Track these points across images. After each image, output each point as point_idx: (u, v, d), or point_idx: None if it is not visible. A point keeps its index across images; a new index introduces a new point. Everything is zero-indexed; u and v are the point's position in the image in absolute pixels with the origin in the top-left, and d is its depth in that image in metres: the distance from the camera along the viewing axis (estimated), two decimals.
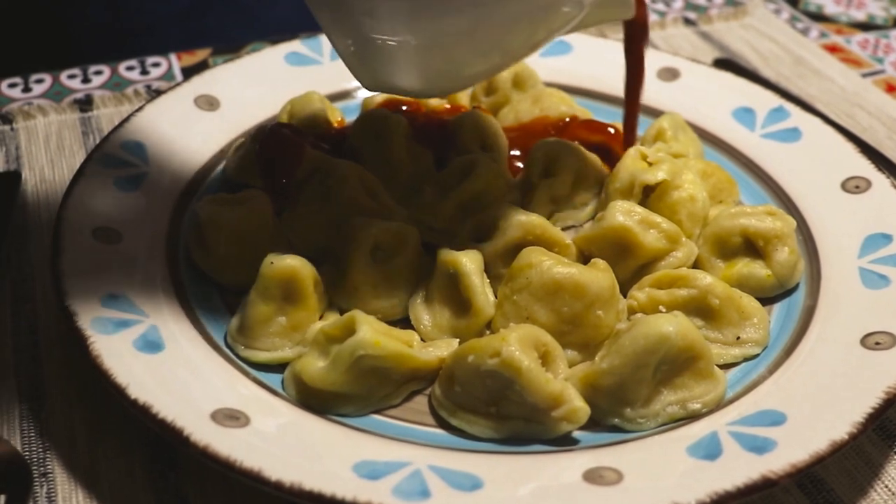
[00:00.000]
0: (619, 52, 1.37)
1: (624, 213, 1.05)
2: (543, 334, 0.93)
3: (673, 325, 0.91)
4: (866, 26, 1.72)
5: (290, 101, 1.26)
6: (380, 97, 1.25)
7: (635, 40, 1.15)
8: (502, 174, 1.14)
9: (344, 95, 1.34)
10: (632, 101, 1.19)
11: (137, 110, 1.23)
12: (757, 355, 1.01)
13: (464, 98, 1.31)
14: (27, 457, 0.93)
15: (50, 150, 1.33)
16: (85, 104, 1.41)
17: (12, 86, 1.47)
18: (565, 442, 0.91)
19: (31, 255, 1.16)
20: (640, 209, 1.06)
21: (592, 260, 1.01)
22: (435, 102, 1.29)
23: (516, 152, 1.22)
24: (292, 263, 0.97)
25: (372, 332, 0.91)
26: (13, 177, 1.26)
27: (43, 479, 0.92)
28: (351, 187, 1.09)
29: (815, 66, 1.57)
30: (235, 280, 1.05)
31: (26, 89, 1.46)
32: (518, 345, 0.89)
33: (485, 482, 0.83)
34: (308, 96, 1.25)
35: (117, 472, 0.93)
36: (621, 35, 1.44)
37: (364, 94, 1.32)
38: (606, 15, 1.10)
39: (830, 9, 1.77)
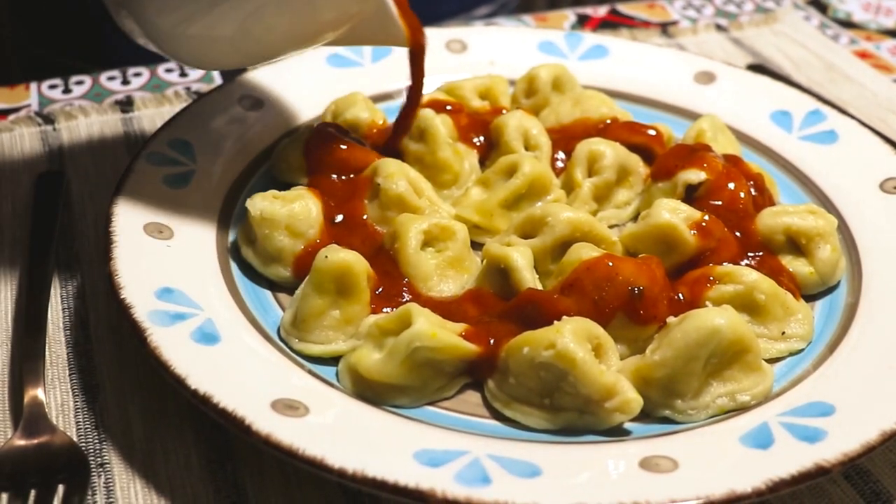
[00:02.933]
0: (655, 55, 1.41)
1: (670, 211, 1.07)
2: (596, 327, 0.95)
3: (723, 318, 0.92)
4: (895, 33, 1.73)
5: (333, 101, 1.27)
6: (423, 98, 1.27)
7: (412, 65, 1.17)
8: (546, 173, 1.16)
9: (386, 97, 1.36)
10: (403, 118, 1.21)
11: (183, 110, 1.25)
12: (802, 350, 1.02)
13: (504, 100, 1.33)
14: (84, 448, 0.95)
15: (93, 150, 1.35)
16: (126, 105, 1.43)
17: (52, 87, 1.48)
18: (618, 433, 0.93)
19: (78, 252, 1.17)
20: (684, 207, 1.08)
21: (642, 255, 1.03)
22: (477, 104, 1.30)
23: (559, 153, 1.23)
24: (346, 257, 0.99)
25: (428, 325, 0.93)
26: (57, 176, 1.28)
27: (100, 470, 0.93)
28: (398, 185, 1.11)
29: (847, 72, 1.59)
30: (286, 275, 1.07)
31: (66, 90, 1.48)
32: (572, 336, 0.90)
33: (543, 470, 0.84)
34: (352, 97, 1.27)
35: (174, 463, 0.94)
36: (656, 40, 1.46)
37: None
38: (379, 39, 1.13)
39: (859, 16, 1.78)
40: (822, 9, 1.81)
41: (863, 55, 1.65)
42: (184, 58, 1.10)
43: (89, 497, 0.91)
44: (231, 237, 1.12)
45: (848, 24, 1.76)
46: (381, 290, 1.03)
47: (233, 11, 0.98)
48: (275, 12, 0.98)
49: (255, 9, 0.98)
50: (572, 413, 0.92)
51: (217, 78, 1.52)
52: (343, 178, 1.15)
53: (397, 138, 1.20)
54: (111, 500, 0.90)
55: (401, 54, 1.35)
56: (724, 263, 1.06)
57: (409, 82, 1.19)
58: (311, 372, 0.96)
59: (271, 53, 1.09)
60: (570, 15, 1.75)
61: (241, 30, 1.00)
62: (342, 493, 0.91)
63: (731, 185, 1.13)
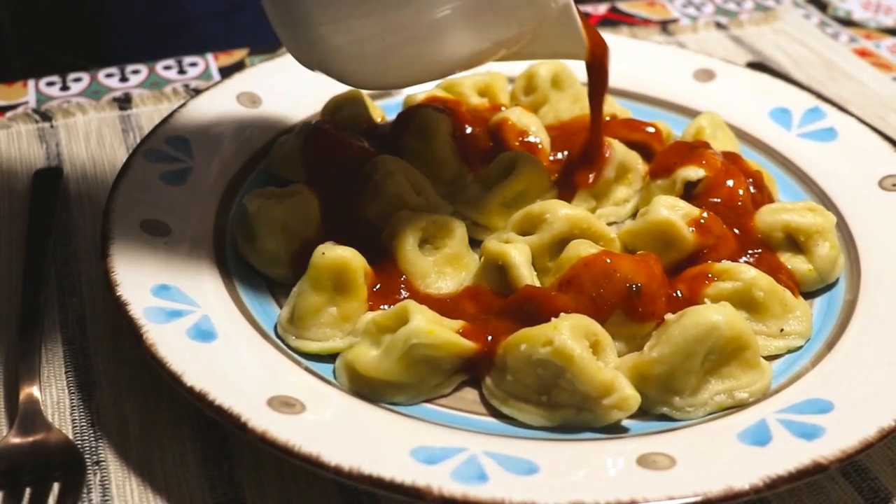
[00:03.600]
0: (655, 52, 1.41)
1: (668, 208, 1.06)
2: (594, 324, 0.94)
3: (722, 315, 0.92)
4: (895, 31, 1.73)
5: (332, 98, 1.27)
6: (421, 95, 1.26)
7: (591, 82, 1.16)
8: (544, 170, 1.15)
9: (385, 94, 1.35)
10: (595, 132, 1.18)
11: (181, 107, 1.25)
12: (800, 347, 1.02)
13: (503, 97, 1.33)
14: (80, 446, 0.94)
15: (90, 147, 1.34)
16: (124, 102, 1.43)
17: (50, 84, 1.48)
18: (616, 430, 0.92)
19: (75, 249, 1.17)
20: (683, 204, 1.07)
21: (640, 252, 1.03)
22: (476, 101, 1.30)
23: (558, 152, 1.23)
24: (343, 254, 0.98)
25: (426, 321, 0.92)
26: (55, 173, 1.27)
27: (96, 468, 0.93)
28: (397, 183, 1.11)
29: (847, 70, 1.59)
30: (283, 272, 1.06)
31: (64, 87, 1.47)
32: (570, 333, 0.90)
33: (541, 467, 0.84)
34: (350, 94, 1.26)
35: (170, 461, 0.94)
36: (656, 37, 1.46)
37: (406, 91, 1.33)
38: (559, 50, 1.11)
39: (859, 14, 1.78)
40: (823, 7, 1.80)
41: (863, 53, 1.65)
42: (356, 79, 1.07)
43: (85, 495, 0.90)
44: (228, 234, 1.12)
45: (848, 22, 1.76)
46: (378, 287, 1.03)
47: (414, 30, 0.96)
48: (461, 28, 0.97)
49: (439, 24, 0.96)
50: (570, 410, 0.92)
51: (215, 75, 1.51)
52: (341, 175, 1.14)
53: (583, 174, 1.18)
54: (107, 498, 0.90)
55: None
56: (723, 260, 1.05)
57: (589, 100, 1.17)
58: (307, 369, 0.96)
59: (449, 70, 1.07)
60: None
61: (420, 48, 0.98)
62: (339, 491, 0.91)
63: (730, 183, 1.12)
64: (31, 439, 0.93)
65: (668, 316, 0.96)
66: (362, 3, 0.93)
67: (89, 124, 1.38)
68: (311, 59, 1.03)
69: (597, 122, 1.16)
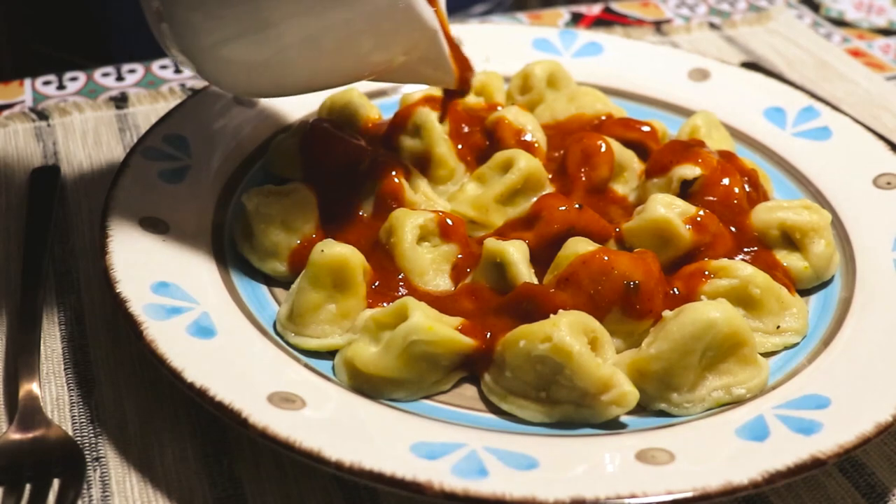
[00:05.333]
0: (650, 52, 1.41)
1: (665, 206, 1.07)
2: (592, 321, 0.95)
3: (719, 312, 0.93)
4: (887, 32, 1.74)
5: (329, 97, 1.27)
6: (418, 94, 1.27)
7: (448, 99, 1.21)
8: (541, 168, 1.16)
9: (381, 93, 1.36)
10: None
11: (179, 105, 1.25)
12: (796, 344, 1.03)
13: (499, 96, 1.33)
14: (79, 442, 0.95)
15: (87, 146, 1.34)
16: (120, 101, 1.43)
17: (46, 83, 1.48)
18: (614, 426, 0.93)
19: (73, 247, 1.17)
20: (679, 202, 1.08)
21: (637, 250, 1.03)
22: (472, 100, 1.30)
23: (554, 150, 1.23)
24: (342, 251, 0.99)
25: (425, 318, 0.93)
26: (52, 171, 1.27)
27: (96, 464, 0.93)
28: (394, 181, 1.11)
29: (840, 70, 1.59)
30: (281, 270, 1.07)
31: (60, 87, 1.48)
32: (568, 330, 0.91)
33: (540, 462, 0.85)
34: (347, 93, 1.27)
35: (170, 457, 0.94)
36: (650, 38, 1.47)
37: (402, 90, 1.34)
38: (429, 78, 1.13)
39: (851, 14, 1.79)
40: (815, 7, 1.81)
41: (855, 53, 1.65)
42: (220, 80, 1.06)
43: (85, 491, 0.91)
44: (227, 232, 1.12)
45: (840, 22, 1.77)
46: (377, 284, 1.03)
47: (280, 39, 0.96)
48: (325, 43, 0.97)
49: (305, 40, 0.97)
50: (569, 406, 0.92)
51: None
52: (339, 173, 1.14)
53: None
54: (107, 493, 0.90)
55: None
56: (720, 258, 1.06)
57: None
58: (307, 366, 0.96)
59: (311, 86, 1.08)
60: (564, 13, 1.75)
61: (284, 58, 0.99)
62: (338, 487, 0.91)
63: (726, 181, 1.13)
64: (30, 436, 0.93)
65: (666, 313, 0.97)
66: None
67: (86, 123, 1.39)
68: (173, 48, 1.02)
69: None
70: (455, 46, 1.10)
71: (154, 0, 0.97)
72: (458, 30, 1.46)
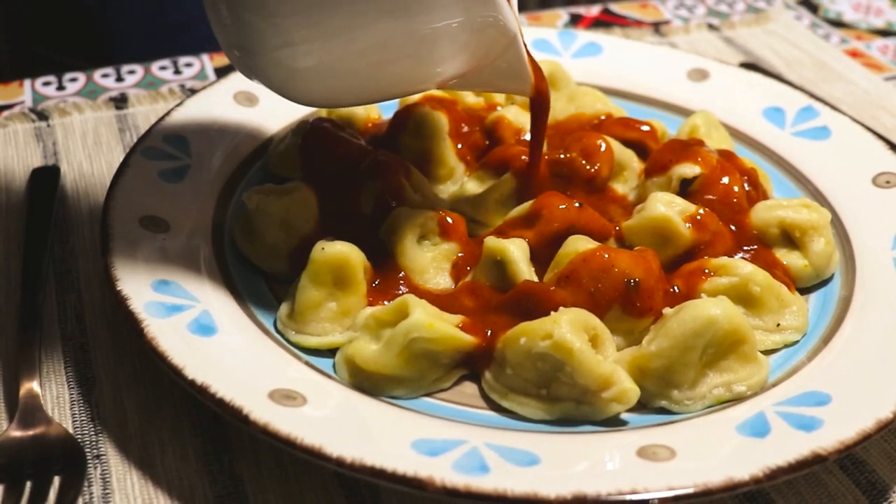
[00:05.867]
0: (649, 52, 1.42)
1: (665, 204, 1.07)
2: (593, 318, 0.95)
3: (720, 309, 0.93)
4: (886, 32, 1.74)
5: None
6: (418, 94, 1.27)
7: (535, 115, 1.13)
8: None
9: None
10: (533, 163, 1.15)
11: (178, 105, 1.25)
12: (797, 342, 1.03)
13: (499, 97, 1.33)
14: (80, 440, 0.95)
15: (87, 146, 1.34)
16: (120, 102, 1.43)
17: (46, 84, 1.48)
18: (615, 423, 0.93)
19: (73, 246, 1.17)
20: (679, 200, 1.08)
21: (638, 248, 1.03)
22: (472, 100, 1.31)
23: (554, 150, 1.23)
24: (343, 249, 0.99)
25: (426, 315, 0.93)
26: (52, 171, 1.28)
27: (96, 462, 0.93)
28: (395, 180, 1.11)
29: (838, 71, 1.60)
30: (281, 268, 1.07)
31: (60, 87, 1.48)
32: (569, 327, 0.91)
33: (541, 458, 0.85)
34: None
35: (171, 455, 0.94)
36: (649, 39, 1.47)
37: None
38: (504, 86, 1.11)
39: (850, 16, 1.79)
40: (813, 9, 1.82)
41: (854, 54, 1.66)
42: (294, 94, 1.02)
43: (85, 488, 0.90)
44: (227, 231, 1.12)
45: (839, 23, 1.77)
46: (377, 283, 1.03)
47: (358, 48, 0.92)
48: (402, 49, 0.93)
49: (383, 46, 0.93)
50: (569, 403, 0.92)
51: (210, 75, 1.52)
52: (339, 172, 1.15)
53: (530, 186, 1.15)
54: (107, 491, 0.90)
55: None
56: (719, 256, 1.06)
57: (529, 136, 1.15)
58: (308, 364, 0.96)
59: (387, 94, 1.06)
60: (562, 14, 1.76)
61: (362, 68, 0.95)
62: (339, 485, 0.91)
63: (726, 180, 1.13)
64: (31, 433, 0.93)
65: (666, 310, 0.97)
66: (321, 34, 0.91)
67: (86, 123, 1.39)
68: (251, 69, 1.00)
69: (535, 158, 1.14)
70: (530, 54, 1.06)
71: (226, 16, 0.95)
72: None
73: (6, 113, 1.40)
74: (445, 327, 0.94)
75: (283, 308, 1.01)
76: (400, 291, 1.03)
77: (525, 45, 1.03)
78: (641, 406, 0.94)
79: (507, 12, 0.94)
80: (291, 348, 0.98)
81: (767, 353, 1.01)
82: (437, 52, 0.95)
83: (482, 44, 0.97)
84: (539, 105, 1.11)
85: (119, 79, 1.50)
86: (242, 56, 0.98)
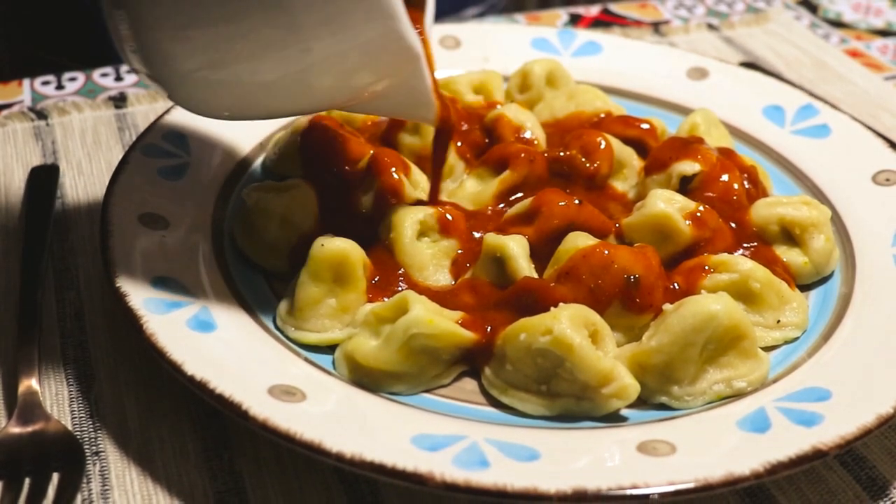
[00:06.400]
0: (648, 51, 1.42)
1: (665, 201, 1.07)
2: (592, 314, 0.95)
3: (720, 304, 0.93)
4: (885, 33, 1.74)
5: None
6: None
7: (437, 144, 1.12)
8: (540, 164, 1.16)
9: None
10: (433, 189, 1.15)
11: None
12: (797, 338, 1.03)
13: (498, 95, 1.33)
14: (79, 437, 0.95)
15: (86, 145, 1.34)
16: (119, 101, 1.43)
17: (45, 83, 1.48)
18: (615, 419, 0.93)
19: (72, 244, 1.17)
20: (679, 197, 1.08)
21: (638, 244, 1.03)
22: (471, 98, 1.31)
23: (553, 148, 1.23)
24: (343, 246, 0.99)
25: (425, 311, 0.93)
26: (51, 169, 1.27)
27: (95, 458, 0.93)
28: (394, 177, 1.11)
29: (838, 70, 1.60)
30: (281, 265, 1.07)
31: (59, 87, 1.48)
32: (569, 322, 0.91)
33: (541, 454, 0.84)
34: None
35: (170, 452, 0.94)
36: (648, 38, 1.47)
37: None
38: (407, 113, 1.08)
39: (849, 16, 1.79)
40: (813, 9, 1.82)
41: (853, 54, 1.66)
42: (192, 104, 0.99)
43: (84, 485, 0.90)
44: (226, 228, 1.12)
45: (838, 23, 1.77)
46: (377, 279, 1.03)
47: (261, 66, 0.90)
48: (302, 66, 0.90)
49: (284, 65, 0.90)
50: (569, 399, 0.92)
51: None
52: (338, 169, 1.15)
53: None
54: (106, 488, 0.90)
55: None
56: (719, 253, 1.06)
57: (433, 162, 1.14)
58: (307, 360, 0.96)
59: (279, 112, 1.04)
60: (562, 14, 1.76)
61: (257, 84, 0.92)
62: (339, 481, 0.91)
63: (725, 177, 1.13)
64: (30, 430, 0.93)
65: (667, 306, 0.96)
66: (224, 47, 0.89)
67: (85, 122, 1.39)
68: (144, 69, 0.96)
69: (435, 186, 1.14)
70: (437, 84, 1.03)
71: (122, 24, 0.92)
72: (458, 29, 1.46)
73: (5, 112, 1.40)
74: (445, 323, 0.93)
75: (283, 305, 1.01)
76: (399, 288, 1.03)
77: (431, 72, 1.00)
78: (641, 402, 0.94)
79: (409, 34, 0.90)
80: (291, 345, 0.98)
81: (768, 349, 1.01)
82: (327, 74, 0.92)
83: (381, 66, 0.94)
84: (443, 134, 1.10)
85: (118, 78, 1.50)
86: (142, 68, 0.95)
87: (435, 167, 1.14)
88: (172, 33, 0.89)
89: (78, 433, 0.95)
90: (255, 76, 0.91)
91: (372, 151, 1.16)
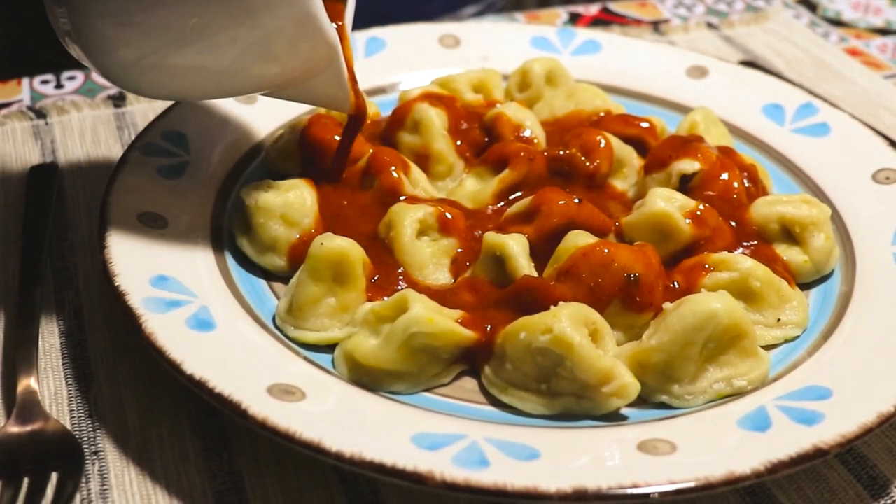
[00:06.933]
0: (648, 50, 1.42)
1: (665, 199, 1.07)
2: (592, 312, 0.95)
3: (720, 303, 0.93)
4: (885, 31, 1.74)
5: None
6: (417, 91, 1.27)
7: (348, 128, 1.15)
8: (540, 163, 1.16)
9: (379, 91, 1.36)
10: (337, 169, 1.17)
11: (176, 103, 1.24)
12: (797, 337, 1.02)
13: (498, 94, 1.33)
14: (77, 436, 0.94)
15: (85, 144, 1.34)
16: (119, 100, 1.43)
17: (44, 83, 1.48)
18: (615, 418, 0.92)
19: (71, 243, 1.17)
20: (679, 195, 1.08)
21: (638, 242, 1.03)
22: (471, 97, 1.30)
23: (553, 146, 1.23)
24: (342, 244, 0.99)
25: (425, 310, 0.93)
26: (50, 168, 1.27)
27: (94, 458, 0.93)
28: (393, 176, 1.11)
29: (838, 69, 1.60)
30: (280, 264, 1.07)
31: (58, 86, 1.47)
32: (569, 321, 0.90)
33: (542, 453, 0.84)
34: None
35: (169, 451, 0.94)
36: (647, 36, 1.47)
37: (402, 87, 1.34)
38: (324, 101, 1.13)
39: (849, 14, 1.79)
40: (812, 8, 1.82)
41: (853, 53, 1.66)
42: (118, 81, 1.03)
43: (83, 484, 0.90)
44: (225, 226, 1.12)
45: (838, 22, 1.77)
46: (376, 278, 1.03)
47: (184, 45, 0.96)
48: (224, 51, 0.96)
49: (203, 46, 0.96)
50: (569, 398, 0.92)
51: None
52: (337, 168, 1.14)
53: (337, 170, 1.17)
54: (105, 487, 0.90)
55: (395, 50, 1.36)
56: (719, 252, 1.06)
57: (338, 144, 1.16)
58: (306, 359, 0.96)
59: (205, 93, 1.11)
60: (561, 13, 1.75)
61: (188, 64, 0.98)
62: (339, 480, 0.91)
63: (725, 176, 1.13)
64: (29, 429, 0.93)
65: (667, 305, 0.96)
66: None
67: (84, 121, 1.38)
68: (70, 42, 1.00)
69: (340, 164, 1.16)
70: (352, 73, 1.09)
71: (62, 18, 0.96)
72: (457, 28, 1.46)
73: (4, 111, 1.40)
74: (445, 322, 0.93)
75: (282, 303, 1.01)
76: (399, 287, 1.03)
77: (348, 63, 1.07)
78: (642, 401, 0.94)
79: (324, 24, 0.97)
80: (290, 344, 0.98)
81: (768, 348, 1.01)
82: (258, 56, 0.98)
83: (300, 55, 1.00)
84: (355, 120, 1.14)
85: None
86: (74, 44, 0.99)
87: (339, 152, 1.16)
88: (108, 21, 0.95)
89: (77, 432, 0.95)
90: (185, 63, 0.98)
91: (371, 150, 1.16)
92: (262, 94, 1.10)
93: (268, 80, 1.04)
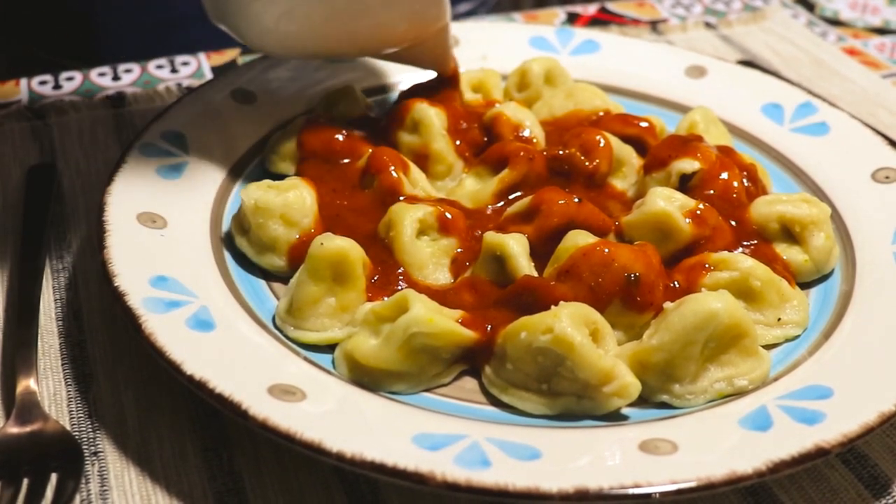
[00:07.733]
0: (646, 50, 1.42)
1: (665, 199, 1.07)
2: (593, 312, 0.94)
3: (721, 302, 0.92)
4: (882, 31, 1.74)
5: (326, 94, 1.27)
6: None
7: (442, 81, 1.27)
8: (539, 163, 1.15)
9: (379, 90, 1.36)
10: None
11: (176, 102, 1.24)
12: (797, 336, 1.02)
13: (497, 93, 1.33)
14: (77, 437, 0.94)
15: (84, 145, 1.34)
16: (117, 101, 1.43)
17: (43, 83, 1.48)
18: (616, 418, 0.92)
19: (70, 243, 1.17)
20: (679, 195, 1.08)
21: (638, 242, 1.03)
22: (470, 97, 1.30)
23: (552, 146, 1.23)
24: (342, 244, 0.98)
25: (425, 310, 0.93)
26: (49, 169, 1.27)
27: (94, 458, 0.93)
28: (392, 175, 1.11)
29: (836, 68, 1.60)
30: (279, 264, 1.06)
31: (57, 86, 1.47)
32: (570, 321, 0.90)
33: (543, 453, 0.84)
34: (344, 90, 1.26)
35: (169, 451, 0.94)
36: (648, 35, 1.47)
37: (400, 87, 1.34)
38: (424, 62, 1.25)
39: (846, 14, 1.79)
40: (810, 7, 1.82)
41: (851, 52, 1.66)
42: (250, 38, 1.15)
43: (83, 485, 0.90)
44: (225, 227, 1.12)
45: (835, 21, 1.77)
46: (376, 278, 1.03)
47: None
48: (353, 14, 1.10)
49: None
50: (570, 398, 0.92)
51: (208, 74, 1.51)
52: (337, 167, 1.14)
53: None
54: (105, 488, 0.90)
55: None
56: (719, 251, 1.06)
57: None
58: (306, 359, 0.96)
59: (332, 51, 1.21)
60: (559, 13, 1.75)
61: (317, 18, 1.10)
62: (339, 480, 0.91)
63: (725, 175, 1.13)
64: (28, 430, 0.92)
65: (667, 304, 0.96)
66: None
67: (82, 122, 1.38)
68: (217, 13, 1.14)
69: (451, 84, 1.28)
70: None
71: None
72: (456, 28, 1.46)
73: (3, 112, 1.39)
74: (445, 322, 0.93)
75: (282, 304, 1.01)
76: (399, 287, 1.02)
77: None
78: (642, 401, 0.94)
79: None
80: (290, 344, 0.98)
81: (768, 347, 1.01)
82: (382, 19, 1.13)
83: (423, 13, 1.15)
84: (447, 82, 1.27)
85: (116, 78, 1.50)
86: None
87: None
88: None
89: (76, 433, 0.95)
90: (330, 15, 1.11)
91: (371, 150, 1.15)
92: (377, 56, 1.25)
93: (396, 38, 1.17)
